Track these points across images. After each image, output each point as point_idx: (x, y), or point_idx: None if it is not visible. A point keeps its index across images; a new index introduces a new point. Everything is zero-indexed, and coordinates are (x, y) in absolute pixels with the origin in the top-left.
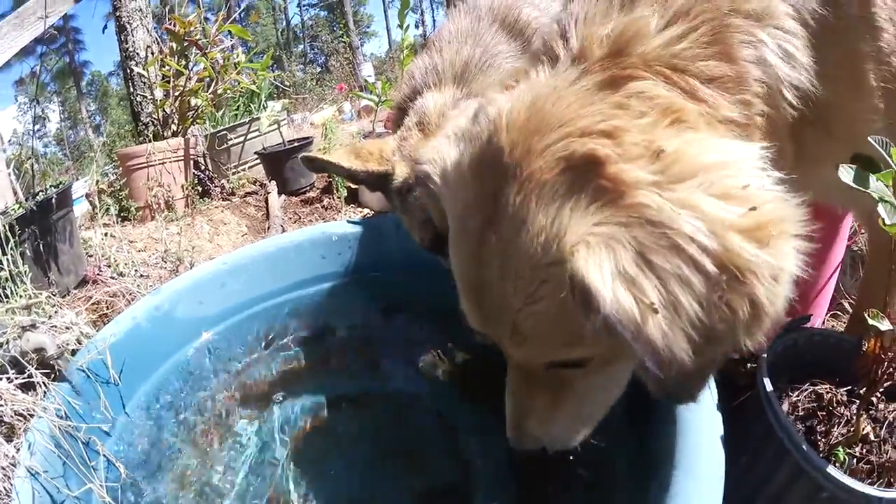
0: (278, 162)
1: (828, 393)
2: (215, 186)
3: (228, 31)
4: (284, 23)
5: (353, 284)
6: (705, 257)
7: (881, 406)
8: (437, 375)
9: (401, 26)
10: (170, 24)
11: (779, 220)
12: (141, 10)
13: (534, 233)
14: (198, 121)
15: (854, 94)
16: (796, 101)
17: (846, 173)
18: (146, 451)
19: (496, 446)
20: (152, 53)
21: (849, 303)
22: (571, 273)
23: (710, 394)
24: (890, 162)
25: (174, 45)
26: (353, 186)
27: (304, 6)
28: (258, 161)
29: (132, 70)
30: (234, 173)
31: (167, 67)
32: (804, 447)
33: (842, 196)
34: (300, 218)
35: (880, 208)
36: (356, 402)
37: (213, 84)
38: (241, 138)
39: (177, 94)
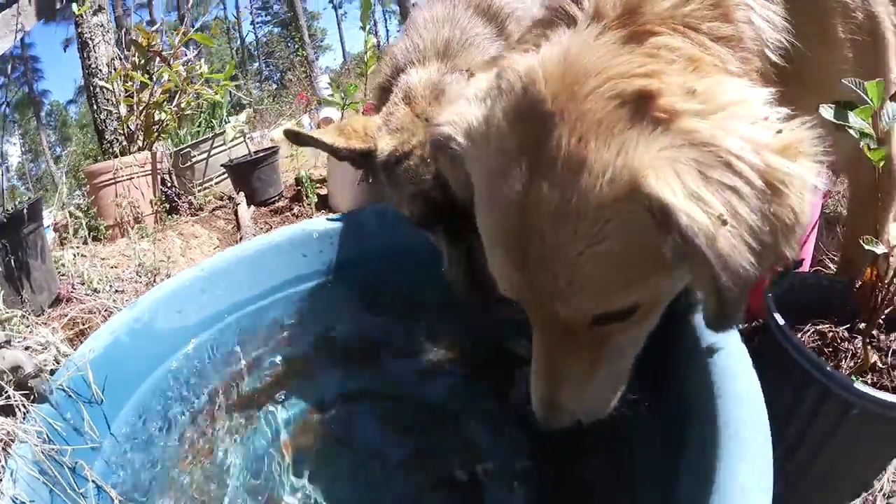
0: (246, 173)
1: (829, 331)
2: (183, 202)
3: (193, 39)
4: (239, 41)
5: (337, 282)
6: (752, 172)
7: (882, 337)
8: (433, 366)
9: (363, 28)
10: (134, 35)
11: (799, 140)
12: (103, 25)
13: (597, 170)
14: (162, 135)
15: (824, 48)
16: (778, 59)
17: (827, 112)
18: (136, 472)
19: (503, 433)
20: (114, 69)
21: (829, 259)
22: (648, 196)
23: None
24: (866, 98)
25: (138, 57)
26: (323, 192)
27: (257, 24)
28: (224, 176)
29: (95, 86)
30: (200, 190)
31: (131, 82)
32: (829, 369)
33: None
34: (271, 227)
35: (863, 143)
36: (350, 401)
37: (177, 97)
38: (205, 154)
39: (142, 107)
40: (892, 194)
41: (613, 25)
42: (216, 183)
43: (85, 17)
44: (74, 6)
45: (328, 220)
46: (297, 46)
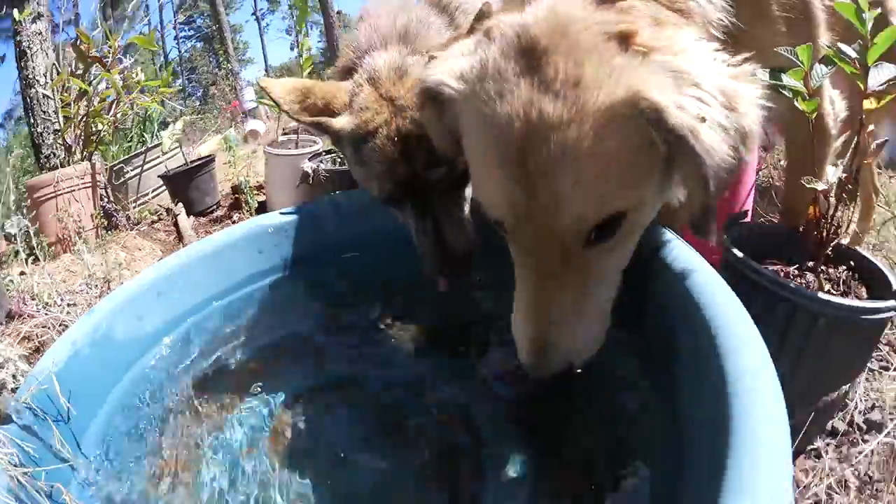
0: (183, 183)
1: (781, 270)
2: (121, 216)
3: (130, 47)
4: (163, 57)
5: (296, 276)
6: (715, 90)
7: (831, 270)
8: (405, 349)
9: (299, 31)
10: (76, 41)
11: (745, 71)
12: (41, 33)
13: (595, 85)
14: (100, 147)
15: (760, 23)
16: (719, 34)
17: (763, 75)
18: (111, 493)
19: (487, 401)
20: (52, 79)
21: (766, 220)
22: (647, 102)
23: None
24: (798, 63)
25: (76, 64)
26: (262, 199)
27: (181, 38)
28: (160, 190)
29: (32, 98)
30: (135, 206)
31: (67, 93)
32: (793, 286)
33: None
34: None
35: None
36: (325, 392)
37: (115, 105)
38: (138, 170)
39: (79, 117)
40: (824, 141)
41: None
42: (152, 197)
43: (24, 24)
44: (15, 12)
45: (282, 213)
46: (221, 59)
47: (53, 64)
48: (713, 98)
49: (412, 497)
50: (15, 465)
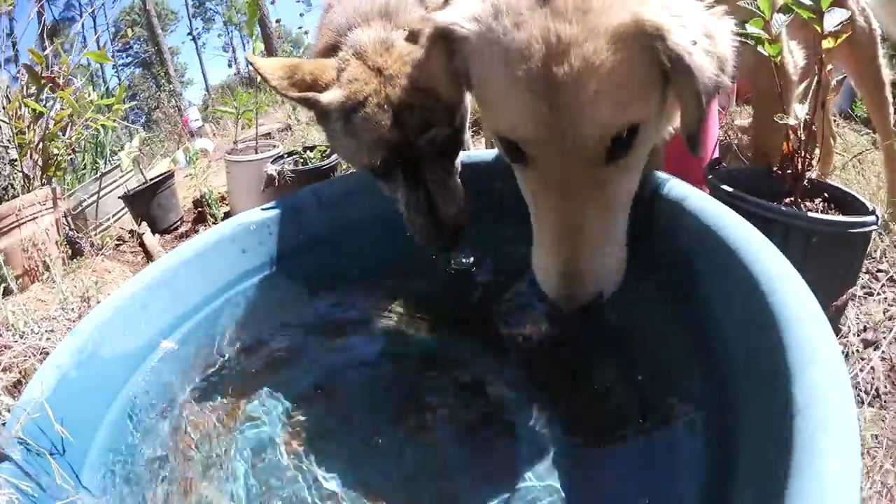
0: (145, 201)
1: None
2: (85, 243)
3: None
4: (103, 87)
5: (284, 271)
6: (698, 24)
7: (808, 202)
8: (407, 329)
9: (250, 35)
10: (28, 60)
11: (718, 11)
12: None
13: (603, 11)
14: (57, 173)
15: None
16: None
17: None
18: None
19: (503, 370)
20: (3, 107)
21: None
22: (650, 25)
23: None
24: (759, 13)
25: (28, 85)
26: (227, 209)
27: (119, 66)
28: (121, 213)
29: None
30: (96, 233)
31: (21, 120)
32: (784, 208)
33: None
34: None
35: (762, 48)
36: (332, 383)
37: (70, 128)
38: (94, 196)
39: (36, 141)
40: (787, 87)
41: None
42: (113, 222)
43: None
44: None
45: (263, 209)
46: (162, 82)
47: (8, 88)
48: (697, 28)
49: (446, 474)
50: None
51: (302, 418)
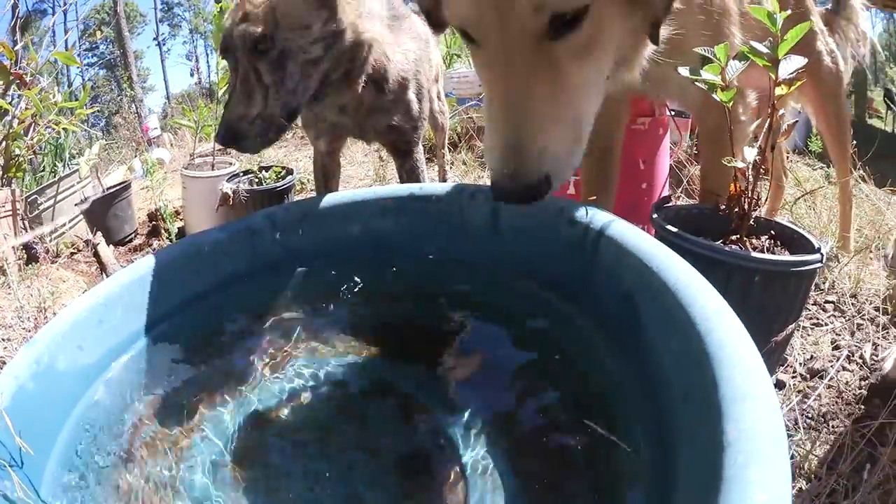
0: (102, 210)
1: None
2: (41, 249)
3: (57, 60)
4: (66, 86)
5: (234, 294)
6: None
7: (754, 240)
8: (353, 353)
9: (216, 47)
10: None
11: None
12: None
13: None
14: (17, 174)
15: (684, 10)
16: None
17: (684, 71)
18: None
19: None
20: None
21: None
22: None
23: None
24: (714, 59)
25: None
26: (181, 224)
27: (84, 66)
28: (77, 220)
29: None
30: (51, 238)
31: None
32: (728, 249)
33: (675, 89)
34: None
35: (715, 94)
36: (284, 408)
37: (32, 129)
38: (52, 200)
39: (1, 137)
40: (738, 126)
41: None
42: (69, 228)
43: None
44: None
45: (218, 229)
46: (125, 86)
47: None
48: None
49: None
50: None
51: (250, 441)
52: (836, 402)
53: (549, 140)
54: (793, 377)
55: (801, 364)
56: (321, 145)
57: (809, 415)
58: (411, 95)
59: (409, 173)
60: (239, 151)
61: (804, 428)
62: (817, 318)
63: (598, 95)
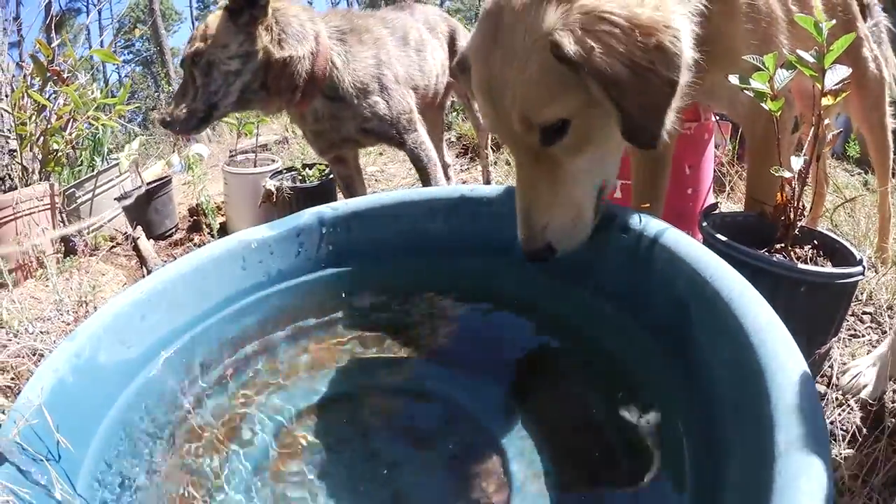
0: (141, 205)
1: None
2: (80, 242)
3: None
4: (103, 82)
5: (280, 292)
6: (620, 19)
7: (798, 250)
8: (399, 355)
9: None
10: (34, 50)
11: (662, 2)
12: None
13: (522, 29)
14: (56, 168)
15: (731, 20)
16: (693, 24)
17: (734, 79)
18: None
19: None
20: (6, 95)
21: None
22: (551, 39)
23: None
24: (765, 68)
25: (33, 74)
26: (223, 219)
27: (121, 63)
28: (115, 214)
29: None
30: (89, 232)
31: (23, 111)
32: (776, 259)
33: (724, 99)
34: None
35: (761, 100)
36: (327, 407)
37: (71, 124)
38: (90, 194)
39: (37, 135)
40: (785, 135)
41: None
42: (108, 221)
43: None
44: None
45: (267, 226)
46: (162, 83)
47: (13, 77)
48: (617, 27)
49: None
50: None
51: (295, 438)
52: (873, 416)
53: (550, 218)
54: (830, 389)
55: (838, 375)
56: (317, 152)
57: (845, 427)
58: (375, 98)
59: (413, 160)
60: (172, 132)
61: (840, 441)
62: (855, 329)
63: (598, 175)
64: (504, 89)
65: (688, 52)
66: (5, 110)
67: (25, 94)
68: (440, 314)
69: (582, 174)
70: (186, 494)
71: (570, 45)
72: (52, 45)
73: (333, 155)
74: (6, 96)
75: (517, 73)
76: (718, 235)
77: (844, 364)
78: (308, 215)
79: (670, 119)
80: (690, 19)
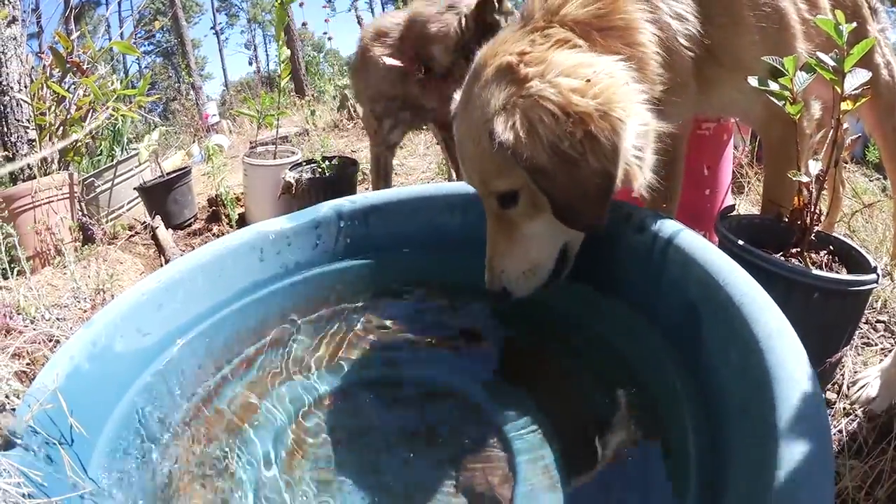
0: (161, 195)
1: (769, 255)
2: (98, 230)
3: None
4: (123, 73)
5: (297, 284)
6: (553, 106)
7: (813, 254)
8: (407, 348)
9: (277, 39)
10: (54, 42)
11: (608, 87)
12: (16, 38)
13: (479, 105)
14: (75, 158)
15: (736, 33)
16: (690, 44)
17: (753, 81)
18: None
19: (522, 405)
20: (26, 86)
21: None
22: (491, 125)
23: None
24: (782, 70)
25: (52, 67)
26: (242, 210)
27: (141, 54)
28: (134, 203)
29: (5, 106)
30: (107, 221)
31: (41, 101)
32: (790, 265)
33: (739, 109)
34: (193, 249)
35: (786, 106)
36: (342, 398)
37: (90, 115)
38: (109, 183)
39: (57, 124)
40: (802, 138)
41: (531, 24)
42: (126, 210)
43: None
44: None
45: (286, 218)
46: (182, 74)
47: (33, 68)
48: (550, 115)
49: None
50: (25, 497)
51: (308, 428)
52: (879, 427)
53: (504, 266)
54: (839, 398)
55: (849, 385)
56: (395, 137)
57: (852, 437)
58: None
59: None
60: None
61: (846, 451)
62: (868, 338)
63: (555, 237)
64: (467, 155)
65: (630, 140)
66: (24, 101)
67: (44, 85)
68: (454, 308)
69: (536, 236)
70: (199, 480)
71: (501, 131)
72: (72, 37)
73: (400, 141)
74: (25, 87)
75: (473, 145)
76: (734, 238)
77: (856, 373)
78: (327, 208)
79: (608, 204)
80: (648, 102)
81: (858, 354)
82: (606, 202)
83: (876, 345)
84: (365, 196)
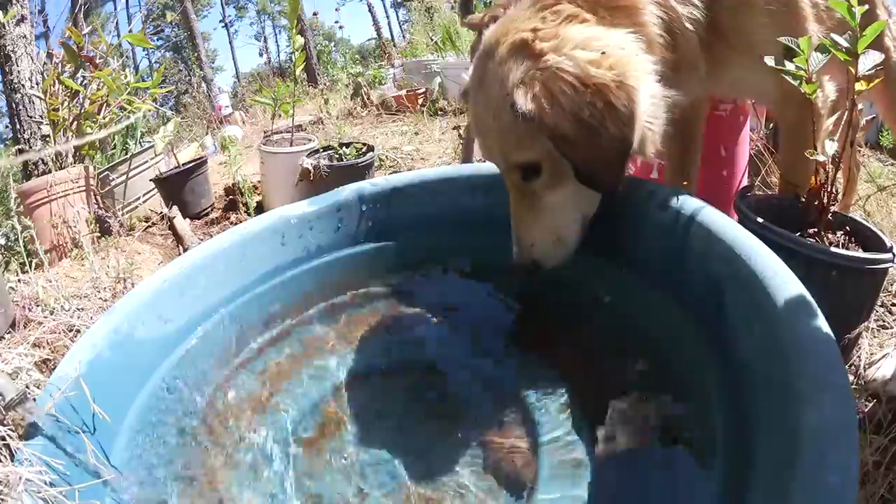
0: (178, 185)
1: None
2: (115, 222)
3: (129, 42)
4: (133, 68)
5: (319, 267)
6: (572, 77)
7: (830, 235)
8: (433, 330)
9: (291, 28)
10: (65, 37)
11: (621, 58)
12: (25, 36)
13: (497, 80)
14: (90, 152)
15: (745, 14)
16: (695, 27)
17: (770, 61)
18: None
19: (548, 383)
20: (38, 83)
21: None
22: (511, 98)
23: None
24: (797, 50)
25: (64, 61)
26: (259, 198)
27: (150, 49)
28: (150, 194)
29: (17, 104)
30: (123, 213)
31: (55, 97)
32: (810, 242)
33: (752, 90)
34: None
35: (801, 85)
36: (364, 381)
37: (104, 108)
38: (124, 177)
39: (70, 118)
40: (818, 119)
41: (539, 3)
42: (142, 202)
43: (7, 27)
44: None
45: (307, 202)
46: (193, 66)
47: (44, 65)
48: (569, 86)
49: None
50: (47, 485)
51: (333, 409)
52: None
53: (533, 238)
54: (856, 379)
55: (865, 366)
56: None
57: (870, 416)
58: None
59: None
60: None
61: (866, 429)
62: (884, 321)
63: (576, 207)
64: (487, 131)
65: (644, 107)
66: (37, 97)
67: (56, 81)
68: (476, 289)
69: (559, 207)
70: (223, 465)
71: (523, 103)
72: (83, 32)
73: None
74: (37, 84)
75: (493, 120)
76: (754, 216)
77: (872, 354)
78: (348, 191)
79: (626, 168)
80: (656, 74)
81: (875, 337)
82: (625, 165)
83: (892, 327)
84: (387, 179)
